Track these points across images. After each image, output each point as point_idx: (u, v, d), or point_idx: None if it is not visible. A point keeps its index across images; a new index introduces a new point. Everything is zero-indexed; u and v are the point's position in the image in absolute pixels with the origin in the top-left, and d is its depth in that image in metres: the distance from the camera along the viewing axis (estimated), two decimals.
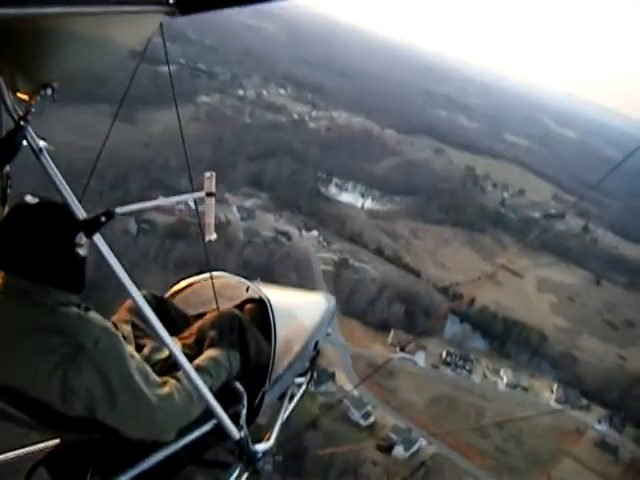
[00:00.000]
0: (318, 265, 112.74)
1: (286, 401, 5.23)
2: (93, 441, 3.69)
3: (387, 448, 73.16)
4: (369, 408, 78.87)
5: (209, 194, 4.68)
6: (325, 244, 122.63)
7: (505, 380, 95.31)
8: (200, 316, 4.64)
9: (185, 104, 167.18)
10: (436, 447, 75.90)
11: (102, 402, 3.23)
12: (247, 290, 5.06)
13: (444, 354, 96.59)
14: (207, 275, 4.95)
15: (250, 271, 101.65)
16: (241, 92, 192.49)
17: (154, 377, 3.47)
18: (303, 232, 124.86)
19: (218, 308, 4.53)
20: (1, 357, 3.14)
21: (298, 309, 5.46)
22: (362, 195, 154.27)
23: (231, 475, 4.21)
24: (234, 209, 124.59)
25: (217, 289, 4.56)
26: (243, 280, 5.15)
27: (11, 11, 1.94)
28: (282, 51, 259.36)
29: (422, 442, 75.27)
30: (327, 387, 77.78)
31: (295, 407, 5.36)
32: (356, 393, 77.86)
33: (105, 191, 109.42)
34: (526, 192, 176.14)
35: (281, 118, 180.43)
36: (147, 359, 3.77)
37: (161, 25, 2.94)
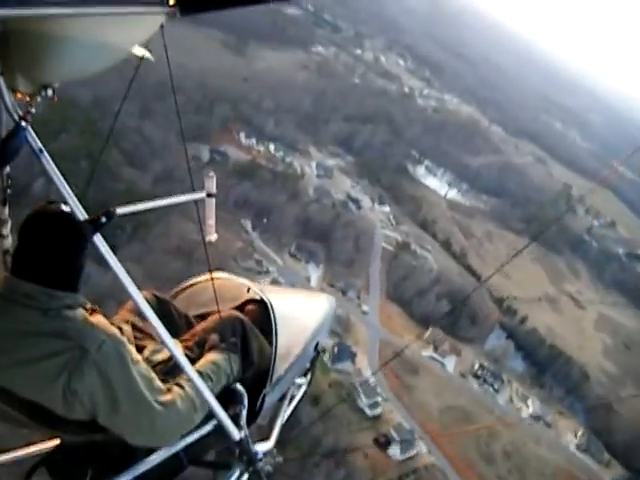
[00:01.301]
0: (379, 242, 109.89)
1: (286, 402, 5.29)
2: (93, 442, 3.70)
3: (384, 444, 70.13)
4: (379, 399, 75.73)
5: (210, 195, 4.57)
6: (394, 222, 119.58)
7: (530, 409, 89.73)
8: (201, 317, 4.70)
9: (297, 50, 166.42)
10: (434, 458, 72.32)
11: (104, 407, 3.27)
12: (248, 291, 5.11)
13: (476, 365, 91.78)
14: (208, 276, 4.98)
15: (307, 229, 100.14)
16: (359, 52, 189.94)
17: (158, 384, 3.48)
18: (375, 205, 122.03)
19: (219, 309, 4.33)
20: (4, 361, 3.12)
21: (299, 310, 5.45)
22: (449, 184, 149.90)
23: (232, 476, 4.30)
24: (313, 164, 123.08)
25: (218, 290, 4.31)
26: (244, 281, 5.24)
27: (12, 12, 1.97)
28: (414, 22, 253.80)
29: (421, 448, 72.15)
30: (344, 366, 75.77)
31: (295, 408, 5.40)
32: (371, 380, 75.31)
33: (188, 113, 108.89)
34: (617, 225, 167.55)
35: (391, 87, 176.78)
36: (147, 360, 3.78)
37: (162, 26, 2.92)
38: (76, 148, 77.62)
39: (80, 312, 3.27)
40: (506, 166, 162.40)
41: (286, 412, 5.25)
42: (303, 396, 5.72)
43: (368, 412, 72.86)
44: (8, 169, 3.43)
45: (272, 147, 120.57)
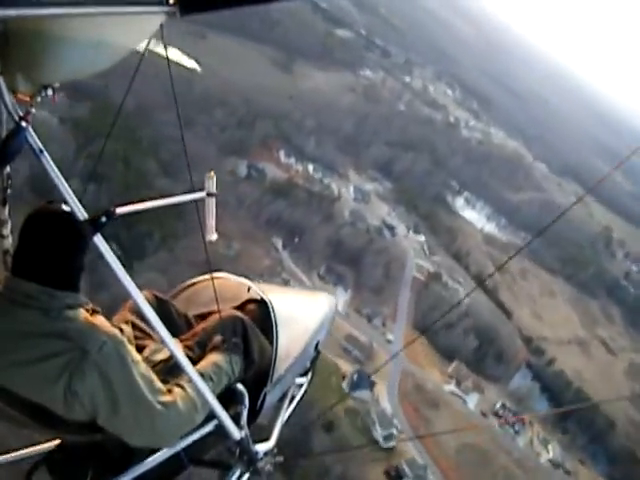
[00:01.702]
0: (411, 270, 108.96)
1: (287, 402, 5.23)
2: (94, 442, 3.69)
3: (394, 478, 68.81)
4: (394, 430, 74.08)
5: (210, 194, 4.57)
6: (427, 252, 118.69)
7: (551, 455, 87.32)
8: (201, 317, 4.68)
9: (346, 72, 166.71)
10: None
11: (105, 408, 3.26)
12: (248, 290, 5.07)
13: (499, 405, 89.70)
14: (208, 276, 4.93)
15: (339, 252, 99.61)
16: (407, 79, 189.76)
17: (159, 385, 3.46)
18: (410, 233, 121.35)
19: (219, 309, 4.34)
20: (5, 361, 3.12)
21: (299, 310, 5.42)
22: (487, 218, 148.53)
23: (232, 475, 4.28)
24: (351, 187, 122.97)
25: (218, 290, 4.34)
26: (244, 281, 5.20)
27: (12, 12, 2.00)
28: (466, 53, 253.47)
29: None
30: (362, 394, 74.74)
31: (295, 407, 5.36)
32: (388, 409, 74.11)
33: (229, 127, 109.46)
34: None
35: (437, 116, 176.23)
36: (147, 360, 3.77)
37: (161, 26, 2.93)
38: (113, 153, 78.22)
39: (81, 312, 3.26)
40: (547, 204, 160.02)
41: (286, 412, 5.19)
42: (303, 396, 5.64)
43: (382, 442, 71.05)
44: (8, 169, 3.44)
45: (311, 167, 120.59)
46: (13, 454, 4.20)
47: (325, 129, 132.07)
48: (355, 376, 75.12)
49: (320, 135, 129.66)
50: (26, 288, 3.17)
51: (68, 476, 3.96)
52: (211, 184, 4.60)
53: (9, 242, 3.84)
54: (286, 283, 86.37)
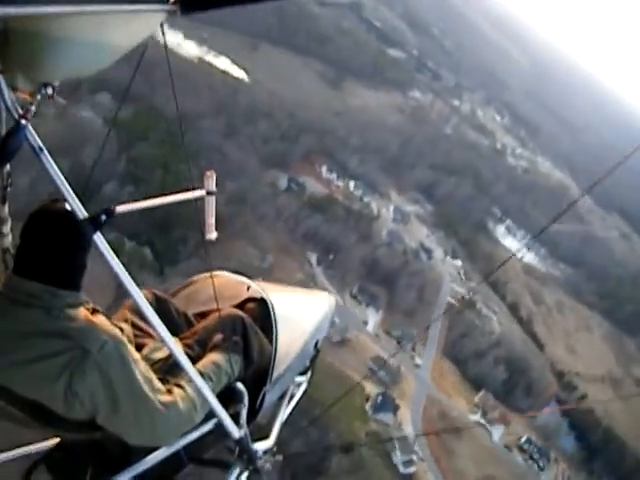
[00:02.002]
0: (445, 295, 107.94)
1: (286, 400, 5.28)
2: (93, 440, 3.72)
3: None
4: (415, 457, 73.27)
5: (209, 192, 4.58)
6: (463, 278, 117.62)
7: None
8: (201, 315, 4.71)
9: (395, 92, 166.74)
10: None
11: (105, 408, 3.27)
12: (248, 289, 5.08)
13: (524, 439, 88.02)
14: (207, 274, 5.00)
15: (373, 272, 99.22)
16: (456, 102, 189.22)
17: (159, 385, 3.49)
18: (448, 257, 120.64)
19: (218, 307, 4.35)
20: (5, 360, 3.13)
21: (299, 308, 5.45)
22: (527, 247, 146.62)
23: (232, 474, 4.30)
24: (391, 207, 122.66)
25: (218, 288, 4.38)
26: (244, 279, 5.18)
27: (12, 10, 2.00)
28: (518, 80, 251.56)
29: None
30: (385, 417, 74.36)
31: (295, 406, 5.38)
32: (410, 435, 73.28)
33: (273, 139, 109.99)
34: None
35: (483, 142, 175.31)
36: (147, 358, 3.79)
37: (162, 25, 2.93)
38: (153, 157, 79.01)
39: (82, 311, 3.28)
40: (589, 237, 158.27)
41: (286, 411, 5.25)
42: (303, 394, 5.65)
43: (401, 469, 70.63)
44: (8, 167, 3.41)
45: (352, 184, 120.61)
46: (12, 452, 4.24)
47: (370, 147, 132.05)
48: (379, 398, 74.60)
49: (364, 153, 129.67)
50: (28, 287, 3.18)
51: (67, 475, 4.03)
52: (210, 182, 4.62)
53: (9, 240, 3.84)
54: None
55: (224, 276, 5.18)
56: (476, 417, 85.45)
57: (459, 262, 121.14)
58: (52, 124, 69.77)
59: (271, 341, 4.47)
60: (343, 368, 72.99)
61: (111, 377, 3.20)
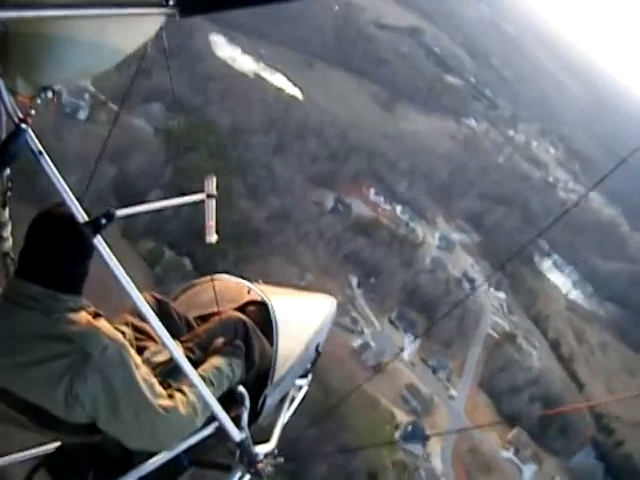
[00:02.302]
0: (485, 327, 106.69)
1: (287, 403, 5.24)
2: (94, 444, 3.72)
3: None
4: None
5: (209, 196, 4.61)
6: (506, 310, 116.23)
7: None
8: (202, 318, 4.75)
9: (449, 119, 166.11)
10: None
11: (105, 411, 3.28)
12: (249, 292, 5.13)
13: (557, 479, 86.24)
14: (208, 277, 5.01)
15: (413, 298, 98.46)
16: (511, 133, 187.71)
17: (160, 389, 3.48)
18: (491, 289, 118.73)
19: (219, 310, 4.52)
20: (6, 363, 3.16)
21: (300, 311, 5.43)
22: (573, 284, 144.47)
23: (233, 477, 4.24)
24: (436, 235, 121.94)
25: (218, 291, 4.58)
26: (244, 282, 5.20)
27: (12, 14, 2.03)
28: (576, 113, 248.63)
29: None
30: (413, 447, 72.94)
31: (296, 409, 5.35)
32: (438, 468, 72.23)
33: (321, 158, 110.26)
34: None
35: (535, 174, 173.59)
36: (147, 361, 3.81)
37: (161, 28, 2.96)
38: (201, 169, 79.48)
39: (83, 315, 3.30)
40: (637, 277, 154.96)
41: (287, 413, 5.20)
42: (304, 397, 5.60)
43: None
44: (8, 171, 3.48)
45: (399, 209, 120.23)
46: (13, 456, 4.27)
47: (419, 173, 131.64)
48: (409, 427, 73.69)
49: (413, 178, 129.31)
50: (29, 290, 3.20)
51: (68, 478, 4.01)
52: (210, 186, 4.61)
53: (9, 244, 3.91)
54: (354, 322, 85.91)
55: (225, 279, 5.20)
56: (508, 454, 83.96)
57: (502, 294, 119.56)
58: (103, 130, 71.05)
59: (272, 344, 4.48)
60: (376, 394, 72.46)
61: (112, 381, 3.21)
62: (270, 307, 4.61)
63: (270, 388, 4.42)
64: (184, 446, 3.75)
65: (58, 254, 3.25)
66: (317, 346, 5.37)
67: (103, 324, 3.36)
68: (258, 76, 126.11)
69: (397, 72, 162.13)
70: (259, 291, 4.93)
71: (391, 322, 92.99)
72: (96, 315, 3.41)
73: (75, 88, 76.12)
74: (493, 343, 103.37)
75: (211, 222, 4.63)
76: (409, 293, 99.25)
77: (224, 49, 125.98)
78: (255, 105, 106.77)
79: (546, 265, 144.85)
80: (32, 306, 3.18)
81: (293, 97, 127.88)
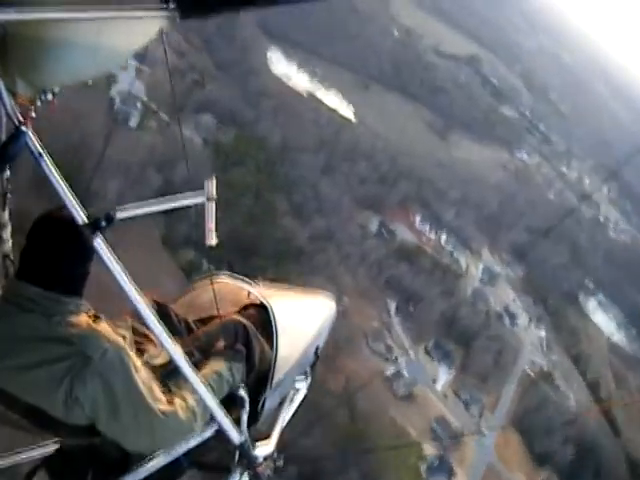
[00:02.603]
0: (522, 364, 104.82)
1: (286, 405, 5.24)
2: (93, 445, 3.74)
3: None
4: None
5: (209, 198, 4.40)
6: (545, 348, 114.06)
7: None
8: (201, 321, 4.76)
9: (501, 150, 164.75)
10: None
11: (105, 414, 3.33)
12: (248, 295, 5.12)
13: None
14: (208, 279, 5.00)
15: (451, 329, 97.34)
16: (564, 168, 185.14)
17: (159, 393, 3.54)
18: (532, 325, 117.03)
19: (219, 313, 4.52)
20: (7, 365, 3.19)
21: (299, 314, 5.41)
22: (617, 326, 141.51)
23: (232, 479, 4.27)
24: (480, 266, 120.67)
25: (218, 293, 4.54)
26: (244, 284, 5.16)
27: (12, 16, 2.07)
28: (630, 149, 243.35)
29: None
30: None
31: (295, 411, 5.36)
32: None
33: (370, 181, 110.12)
34: None
35: (586, 212, 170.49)
36: (147, 364, 3.82)
37: (161, 30, 2.93)
38: (246, 183, 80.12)
39: (84, 318, 3.36)
40: None
41: (286, 416, 5.21)
42: (303, 400, 5.57)
43: None
44: (8, 173, 3.50)
45: (444, 238, 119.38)
46: (13, 457, 4.30)
47: (468, 202, 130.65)
48: (436, 461, 72.72)
49: (461, 207, 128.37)
50: (29, 292, 3.25)
51: (68, 479, 4.05)
52: (210, 188, 4.50)
53: (9, 246, 3.93)
54: (389, 349, 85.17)
55: (224, 281, 5.19)
56: None
57: (543, 332, 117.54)
58: (153, 138, 72.05)
59: (271, 346, 4.49)
60: (404, 424, 71.77)
61: (112, 384, 3.26)
62: (270, 310, 4.64)
63: (270, 391, 4.46)
64: (184, 448, 3.78)
65: (58, 256, 3.30)
66: (316, 349, 5.39)
67: (103, 327, 3.43)
68: (312, 95, 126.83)
69: (453, 100, 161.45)
70: (259, 294, 4.95)
71: (427, 352, 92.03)
72: (96, 318, 3.47)
73: (128, 96, 77.57)
74: (529, 380, 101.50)
75: (211, 225, 4.52)
76: (447, 323, 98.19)
77: (280, 66, 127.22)
78: (307, 124, 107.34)
79: (590, 304, 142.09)
80: (32, 308, 3.22)
81: (346, 118, 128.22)
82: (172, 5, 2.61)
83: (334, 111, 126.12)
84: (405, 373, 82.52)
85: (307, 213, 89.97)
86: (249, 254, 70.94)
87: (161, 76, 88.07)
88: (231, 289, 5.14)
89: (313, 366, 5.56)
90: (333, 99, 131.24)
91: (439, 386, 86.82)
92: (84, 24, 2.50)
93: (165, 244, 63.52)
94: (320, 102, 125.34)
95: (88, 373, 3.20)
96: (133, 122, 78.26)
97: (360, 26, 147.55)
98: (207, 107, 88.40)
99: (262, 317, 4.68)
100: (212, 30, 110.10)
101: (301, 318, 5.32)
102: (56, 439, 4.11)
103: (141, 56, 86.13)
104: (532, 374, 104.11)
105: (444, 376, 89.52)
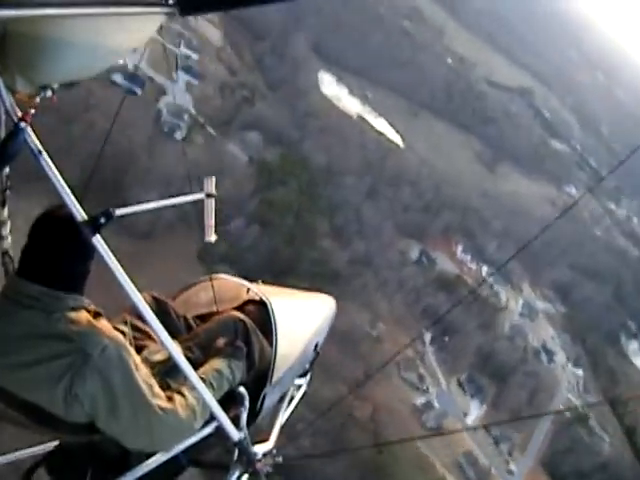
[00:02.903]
0: (558, 404, 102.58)
1: (285, 403, 5.36)
2: (93, 443, 3.77)
3: None
4: None
5: (209, 195, 4.67)
6: (582, 389, 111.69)
7: None
8: (200, 318, 4.82)
9: (549, 184, 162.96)
10: None
11: (104, 411, 3.36)
12: (248, 292, 5.19)
13: None
14: (207, 277, 5.11)
15: (486, 363, 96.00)
16: (612, 206, 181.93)
17: (159, 391, 3.56)
18: (569, 364, 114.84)
19: (218, 310, 4.67)
20: (6, 362, 3.23)
21: (299, 311, 5.51)
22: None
23: (231, 476, 4.29)
24: (520, 301, 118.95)
25: (217, 291, 4.76)
26: (243, 282, 5.28)
27: (11, 12, 2.05)
28: None
29: None
30: None
31: (294, 409, 5.42)
32: None
33: (413, 208, 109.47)
34: None
35: (633, 251, 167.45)
36: (146, 360, 3.87)
37: (161, 27, 2.99)
38: (287, 203, 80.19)
39: (84, 315, 3.36)
40: None
41: (285, 413, 5.33)
42: (302, 397, 5.71)
43: None
44: (7, 170, 3.57)
45: (485, 269, 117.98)
46: (12, 454, 4.38)
47: (512, 235, 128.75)
48: None
49: (505, 240, 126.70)
50: (29, 289, 3.28)
51: (67, 477, 4.11)
52: (210, 185, 4.65)
53: (8, 243, 4.00)
54: (421, 379, 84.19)
55: (224, 279, 5.33)
56: None
57: (580, 372, 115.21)
58: (198, 151, 72.59)
59: (271, 343, 4.55)
60: (431, 457, 70.65)
61: (111, 381, 3.28)
62: (269, 307, 4.72)
63: (269, 388, 4.53)
64: (183, 446, 3.80)
65: (58, 254, 3.33)
66: (316, 346, 5.51)
67: (103, 324, 3.44)
68: (361, 118, 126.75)
69: (503, 131, 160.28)
70: (258, 291, 5.05)
71: (459, 384, 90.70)
72: (96, 314, 3.48)
73: (176, 108, 78.49)
74: (563, 421, 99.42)
75: (211, 222, 4.71)
76: (483, 357, 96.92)
77: (331, 87, 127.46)
78: (353, 147, 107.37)
79: (632, 347, 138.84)
80: (32, 305, 3.25)
81: (393, 143, 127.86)
82: (172, 1, 2.62)
83: (382, 135, 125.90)
84: (436, 404, 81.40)
85: (347, 236, 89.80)
86: (284, 275, 70.82)
87: (210, 90, 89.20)
88: (230, 286, 5.30)
89: (312, 363, 5.71)
90: (382, 123, 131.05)
91: (470, 420, 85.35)
92: (83, 21, 2.50)
93: (200, 259, 63.67)
94: (368, 126, 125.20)
95: (88, 370, 3.21)
96: (179, 135, 79.01)
97: (414, 52, 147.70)
98: (255, 125, 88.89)
99: (261, 314, 4.74)
100: (265, 50, 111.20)
101: (300, 315, 5.44)
102: (55, 437, 4.13)
103: (192, 70, 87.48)
104: (567, 414, 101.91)
105: (475, 411, 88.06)
